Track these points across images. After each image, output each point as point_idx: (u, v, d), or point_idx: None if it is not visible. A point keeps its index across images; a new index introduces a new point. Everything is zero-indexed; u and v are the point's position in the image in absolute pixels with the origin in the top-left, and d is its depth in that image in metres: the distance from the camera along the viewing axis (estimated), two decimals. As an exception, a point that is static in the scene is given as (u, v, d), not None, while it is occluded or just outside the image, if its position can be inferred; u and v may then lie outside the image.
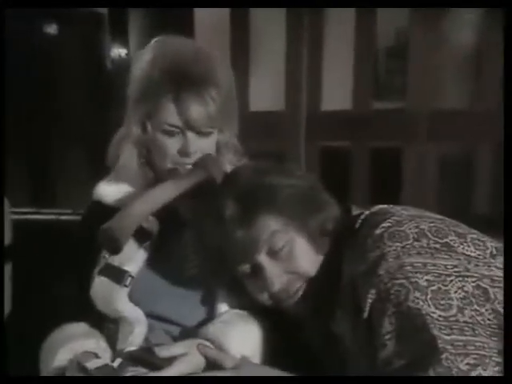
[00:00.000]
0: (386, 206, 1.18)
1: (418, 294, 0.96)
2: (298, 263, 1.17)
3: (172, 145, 1.29)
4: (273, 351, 1.27)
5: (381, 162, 2.40)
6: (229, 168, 1.35)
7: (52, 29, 2.72)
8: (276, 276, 1.17)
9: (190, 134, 1.28)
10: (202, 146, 1.30)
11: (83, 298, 1.34)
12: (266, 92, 2.57)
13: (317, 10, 2.42)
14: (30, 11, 2.58)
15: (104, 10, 2.75)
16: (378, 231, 1.07)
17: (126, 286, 1.31)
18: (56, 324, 1.36)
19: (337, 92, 2.48)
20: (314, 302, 1.18)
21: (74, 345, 1.25)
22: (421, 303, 0.95)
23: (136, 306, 1.32)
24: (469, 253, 1.04)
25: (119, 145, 1.40)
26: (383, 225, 1.08)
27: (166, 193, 1.24)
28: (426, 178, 2.35)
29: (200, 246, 1.31)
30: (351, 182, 2.43)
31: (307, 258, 1.17)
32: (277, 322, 1.27)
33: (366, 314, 1.01)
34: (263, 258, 1.17)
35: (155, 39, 1.35)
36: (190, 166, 1.30)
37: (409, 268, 1.00)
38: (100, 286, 1.32)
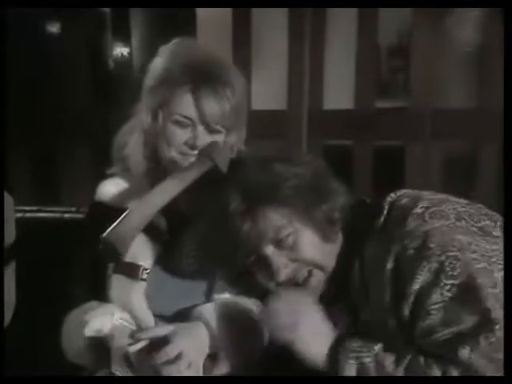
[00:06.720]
0: (410, 190, 1.20)
1: (473, 268, 0.99)
2: (304, 252, 1.17)
3: (181, 136, 1.31)
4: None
5: (383, 161, 2.40)
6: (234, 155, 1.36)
7: (54, 28, 2.72)
8: (282, 265, 1.18)
9: (201, 128, 1.30)
10: (209, 142, 1.31)
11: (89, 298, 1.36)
12: (268, 91, 2.57)
13: (319, 9, 2.42)
14: (32, 10, 2.59)
15: (106, 10, 2.75)
16: (417, 210, 1.10)
17: (142, 279, 1.33)
18: (59, 323, 1.36)
19: (339, 91, 2.49)
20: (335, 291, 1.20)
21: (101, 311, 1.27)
22: (475, 274, 0.98)
23: (148, 309, 1.34)
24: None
25: (127, 134, 1.41)
26: (422, 204, 1.10)
27: (165, 193, 1.25)
28: (429, 177, 2.35)
29: (201, 240, 1.32)
30: (354, 180, 2.43)
31: (313, 247, 1.18)
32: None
33: (417, 286, 1.01)
34: (269, 249, 1.18)
35: (177, 39, 1.38)
36: (193, 159, 1.31)
37: (458, 244, 1.02)
38: (117, 283, 1.33)
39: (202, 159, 1.28)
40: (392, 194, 1.19)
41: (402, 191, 1.19)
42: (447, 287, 0.99)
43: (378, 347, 1.04)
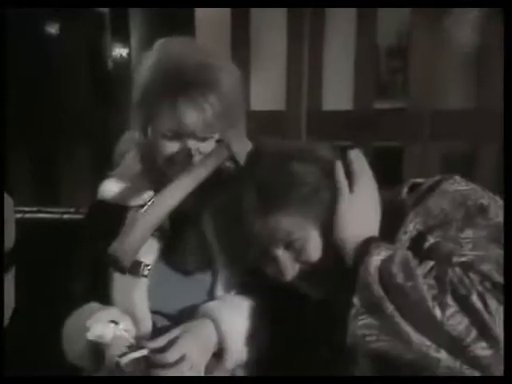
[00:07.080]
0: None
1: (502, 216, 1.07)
2: (311, 256, 1.17)
3: (172, 147, 1.29)
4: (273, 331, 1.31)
5: (382, 162, 2.39)
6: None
7: (54, 28, 2.72)
8: (290, 266, 1.18)
9: (189, 139, 1.27)
10: (202, 149, 1.29)
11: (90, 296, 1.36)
12: (267, 91, 2.57)
13: (318, 9, 2.42)
14: (32, 10, 2.59)
15: (105, 10, 2.75)
16: (447, 182, 1.15)
17: (144, 276, 1.33)
18: (59, 323, 1.37)
19: (338, 92, 2.49)
20: None
21: (101, 315, 1.27)
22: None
23: (149, 308, 1.34)
24: None
25: (125, 146, 1.42)
26: (448, 181, 1.15)
27: (177, 192, 1.22)
28: (428, 177, 2.34)
29: (204, 238, 1.32)
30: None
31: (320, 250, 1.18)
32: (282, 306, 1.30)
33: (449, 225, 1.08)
34: (279, 251, 1.18)
35: (158, 42, 1.34)
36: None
37: (492, 200, 1.12)
38: (118, 280, 1.33)
39: (220, 150, 1.25)
40: (409, 181, 1.23)
41: (412, 180, 1.23)
42: (481, 227, 1.05)
43: (407, 252, 1.06)
